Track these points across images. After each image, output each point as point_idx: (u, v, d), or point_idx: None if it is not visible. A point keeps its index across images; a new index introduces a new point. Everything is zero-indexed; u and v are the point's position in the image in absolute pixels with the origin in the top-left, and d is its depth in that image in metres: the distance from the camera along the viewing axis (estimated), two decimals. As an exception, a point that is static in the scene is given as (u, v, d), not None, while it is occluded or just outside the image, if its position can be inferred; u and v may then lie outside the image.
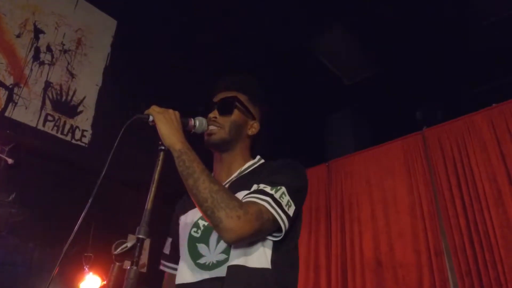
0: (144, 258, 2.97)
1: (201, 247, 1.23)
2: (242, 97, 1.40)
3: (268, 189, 1.15)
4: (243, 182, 1.28)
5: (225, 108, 1.36)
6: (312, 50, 3.87)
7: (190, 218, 1.33)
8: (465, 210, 2.96)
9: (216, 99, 1.40)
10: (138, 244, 0.97)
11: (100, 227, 2.67)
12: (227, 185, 1.32)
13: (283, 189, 1.16)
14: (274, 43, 3.76)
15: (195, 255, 1.23)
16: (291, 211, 1.16)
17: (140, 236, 0.98)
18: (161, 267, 1.46)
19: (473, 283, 2.75)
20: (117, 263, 0.96)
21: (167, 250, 1.45)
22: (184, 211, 1.39)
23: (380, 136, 3.94)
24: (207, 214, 1.08)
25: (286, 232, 1.16)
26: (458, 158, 3.14)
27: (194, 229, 1.28)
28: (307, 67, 4.06)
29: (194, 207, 1.29)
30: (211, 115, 1.35)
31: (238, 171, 1.36)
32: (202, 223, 1.27)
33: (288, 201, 1.16)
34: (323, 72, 4.08)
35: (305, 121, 4.50)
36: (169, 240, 1.45)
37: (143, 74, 3.25)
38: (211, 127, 1.33)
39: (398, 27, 3.52)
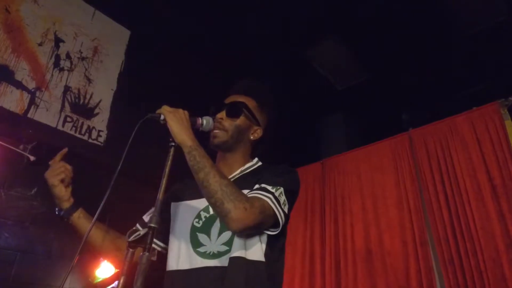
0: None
1: (202, 237, 1.22)
2: (251, 103, 1.38)
3: (270, 187, 1.17)
4: (245, 181, 1.27)
5: (233, 112, 1.34)
6: (308, 59, 3.86)
7: (191, 209, 1.30)
8: (448, 203, 2.94)
9: (227, 101, 1.37)
10: (150, 232, 0.94)
11: (114, 219, 2.65)
12: None
13: (281, 189, 1.18)
14: (275, 53, 3.74)
15: (195, 243, 1.22)
16: (286, 209, 1.18)
17: (152, 225, 0.95)
18: None
19: (455, 271, 2.74)
20: (131, 250, 0.94)
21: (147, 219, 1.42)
22: (180, 199, 1.36)
23: (369, 136, 3.91)
24: (216, 205, 1.06)
25: (282, 228, 1.17)
26: (441, 156, 3.12)
27: (196, 219, 1.27)
28: (304, 74, 4.04)
29: (192, 198, 1.29)
30: (219, 115, 1.33)
31: (239, 170, 1.35)
32: (204, 214, 1.25)
33: (284, 200, 1.18)
34: (318, 79, 4.06)
35: (301, 123, 4.49)
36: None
37: (154, 79, 3.23)
38: (216, 130, 1.31)
39: (387, 38, 3.50)
